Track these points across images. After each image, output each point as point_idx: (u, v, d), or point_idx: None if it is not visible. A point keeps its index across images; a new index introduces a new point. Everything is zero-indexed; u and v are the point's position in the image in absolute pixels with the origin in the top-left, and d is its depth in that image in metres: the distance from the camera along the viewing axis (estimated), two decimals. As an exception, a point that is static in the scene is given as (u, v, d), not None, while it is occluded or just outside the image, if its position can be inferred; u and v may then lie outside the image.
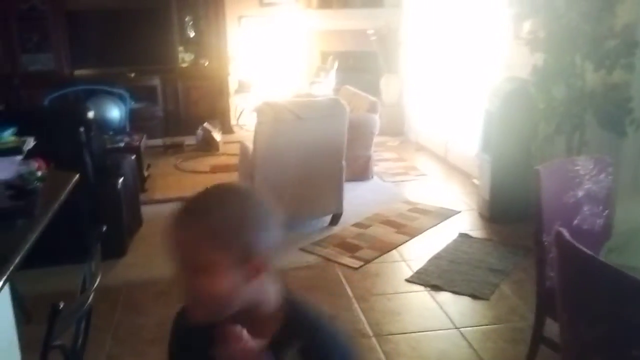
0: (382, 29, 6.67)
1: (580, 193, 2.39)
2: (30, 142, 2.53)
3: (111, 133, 5.22)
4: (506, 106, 3.75)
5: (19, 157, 2.39)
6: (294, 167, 3.92)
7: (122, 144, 4.93)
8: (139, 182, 4.68)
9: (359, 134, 4.94)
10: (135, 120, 6.23)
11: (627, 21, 3.01)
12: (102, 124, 5.75)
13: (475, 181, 4.64)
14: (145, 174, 5.14)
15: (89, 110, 3.67)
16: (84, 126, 3.47)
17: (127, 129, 5.91)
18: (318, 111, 3.86)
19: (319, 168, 3.95)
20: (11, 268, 1.64)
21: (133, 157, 4.40)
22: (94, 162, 3.57)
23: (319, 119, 3.84)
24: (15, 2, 6.37)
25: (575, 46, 3.04)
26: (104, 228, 1.96)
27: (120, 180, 3.73)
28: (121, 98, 6.31)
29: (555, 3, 3.05)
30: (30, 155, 2.50)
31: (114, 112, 6.23)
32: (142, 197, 4.64)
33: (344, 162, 4.04)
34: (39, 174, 2.22)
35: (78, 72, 6.67)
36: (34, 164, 2.26)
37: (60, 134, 3.30)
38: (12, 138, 2.54)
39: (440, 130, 5.90)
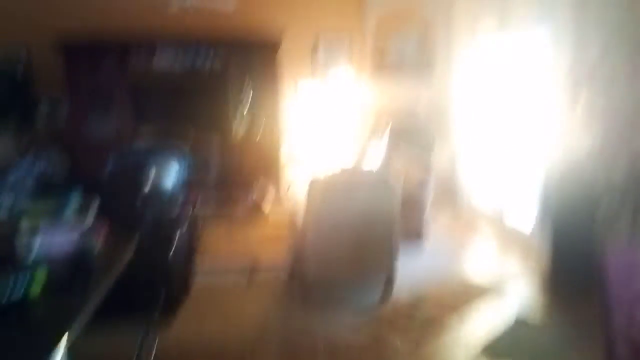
0: (434, 97, 6.72)
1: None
2: (94, 209, 2.61)
3: (166, 200, 5.34)
4: (566, 179, 3.64)
5: (81, 226, 2.45)
6: (344, 243, 3.89)
7: (176, 213, 5.02)
8: (190, 251, 4.74)
9: (413, 202, 4.91)
10: (190, 189, 6.37)
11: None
12: (159, 191, 5.97)
13: (535, 252, 4.47)
14: (196, 245, 5.20)
15: (149, 177, 3.77)
16: (143, 194, 3.58)
17: (183, 197, 6.05)
18: (368, 187, 3.86)
19: (369, 245, 3.90)
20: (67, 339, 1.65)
21: (186, 225, 4.48)
22: (150, 230, 3.65)
23: (369, 198, 3.83)
24: (84, 74, 6.71)
25: (635, 123, 2.97)
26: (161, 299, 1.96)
27: (172, 248, 3.79)
28: (179, 165, 6.50)
29: (616, 80, 3.00)
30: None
31: (171, 179, 6.40)
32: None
33: (395, 239, 3.99)
34: (98, 243, 2.27)
35: (139, 141, 6.91)
36: (95, 236, 2.31)
37: (120, 201, 3.40)
38: (77, 203, 2.61)
39: (497, 199, 5.76)
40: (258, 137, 7.07)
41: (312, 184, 3.91)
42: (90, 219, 2.54)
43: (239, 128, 7.10)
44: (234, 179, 6.93)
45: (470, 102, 6.34)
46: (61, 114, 6.79)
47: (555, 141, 4.32)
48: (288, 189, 7.23)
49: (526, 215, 4.96)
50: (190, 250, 4.57)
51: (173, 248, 3.78)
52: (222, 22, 6.71)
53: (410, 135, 7.04)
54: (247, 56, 6.98)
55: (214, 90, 6.97)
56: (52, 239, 2.24)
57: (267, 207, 6.30)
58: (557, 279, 3.80)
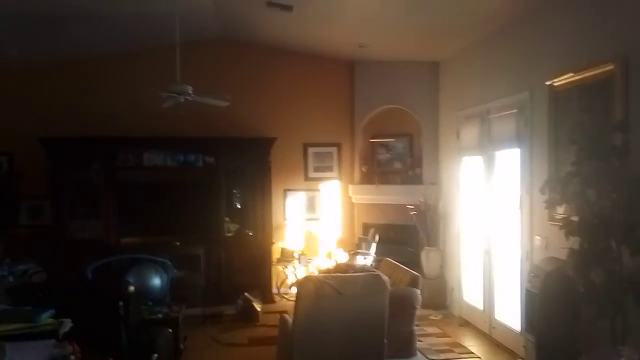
0: (422, 204, 6.93)
1: (628, 387, 2.30)
2: (67, 325, 2.62)
3: (150, 303, 5.32)
4: (547, 287, 3.74)
5: (53, 341, 2.46)
6: (334, 343, 3.91)
7: (160, 315, 5.00)
8: (174, 356, 4.69)
9: (401, 309, 4.89)
10: (176, 288, 6.33)
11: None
12: (142, 293, 5.89)
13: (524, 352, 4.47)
14: (181, 346, 5.14)
15: (130, 284, 3.83)
16: (123, 300, 3.61)
17: (168, 299, 6.01)
18: (359, 287, 3.93)
19: (360, 344, 3.92)
20: None
21: (169, 330, 4.46)
22: (130, 336, 3.64)
23: (360, 294, 3.89)
24: (70, 172, 6.80)
25: (610, 232, 3.11)
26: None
27: (155, 356, 3.76)
28: (164, 267, 6.50)
29: (587, 192, 3.19)
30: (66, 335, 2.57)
31: (156, 281, 6.31)
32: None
33: (385, 340, 4.00)
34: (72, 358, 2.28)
35: (124, 240, 6.86)
36: (68, 348, 2.34)
37: (100, 307, 3.44)
38: (50, 320, 2.64)
39: (484, 305, 5.80)
40: (249, 233, 7.17)
41: (303, 282, 3.98)
42: (62, 333, 2.55)
43: (230, 225, 7.22)
44: (225, 277, 6.94)
45: (457, 207, 6.55)
46: (46, 213, 6.87)
47: (536, 245, 4.48)
48: (281, 284, 7.24)
49: (514, 321, 4.99)
50: (175, 355, 4.51)
51: (155, 356, 3.75)
52: (215, 119, 6.95)
53: (398, 238, 7.21)
54: (240, 153, 7.16)
55: (206, 186, 7.09)
56: (23, 352, 2.26)
57: (259, 306, 6.27)
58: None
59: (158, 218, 7.10)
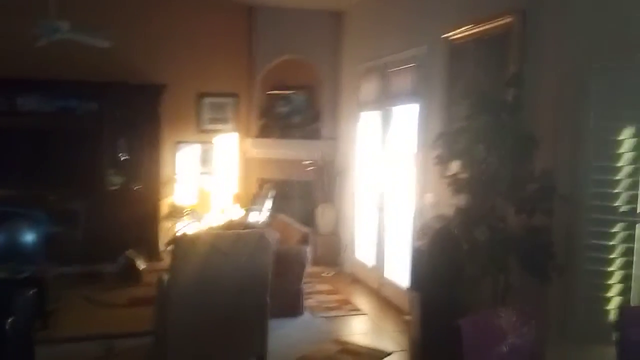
0: (319, 160, 6.75)
1: (504, 348, 2.22)
2: None
3: (12, 262, 4.78)
4: (433, 245, 3.66)
5: None
6: (214, 303, 3.63)
7: (25, 274, 4.50)
8: (40, 319, 4.24)
9: (289, 267, 4.74)
10: (52, 245, 5.78)
11: (545, 166, 3.06)
12: (13, 250, 5.36)
13: (407, 318, 4.44)
14: (51, 308, 4.67)
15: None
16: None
17: (42, 256, 5.47)
18: (242, 246, 3.65)
19: (240, 305, 3.67)
20: None
21: (32, 291, 3.98)
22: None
23: (242, 253, 3.63)
24: None
25: (496, 190, 3.04)
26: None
27: (9, 320, 3.31)
28: (37, 222, 5.91)
29: (476, 148, 3.08)
30: None
31: (28, 237, 5.75)
32: (42, 335, 4.18)
33: (268, 299, 3.78)
34: None
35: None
36: None
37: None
38: None
39: (375, 262, 5.77)
40: (136, 188, 6.66)
41: (179, 241, 3.65)
42: None
43: (115, 178, 6.66)
44: (108, 233, 6.40)
45: (353, 164, 6.41)
46: None
47: (426, 203, 4.42)
48: (169, 242, 6.82)
49: (402, 279, 4.96)
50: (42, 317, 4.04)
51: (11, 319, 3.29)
52: (99, 60, 6.27)
53: (294, 194, 7.01)
54: (126, 100, 6.59)
55: (87, 134, 6.47)
56: None
57: (142, 264, 5.86)
58: (427, 349, 3.76)
59: (33, 169, 6.41)
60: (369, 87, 5.89)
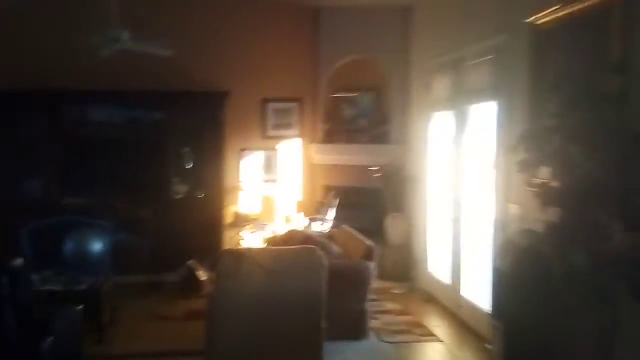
0: (388, 166, 6.28)
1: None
2: None
3: (71, 273, 4.66)
4: (519, 266, 3.10)
5: None
6: (261, 327, 3.29)
7: (82, 287, 4.38)
8: (95, 333, 4.09)
9: (350, 284, 4.31)
10: (118, 254, 5.68)
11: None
12: (80, 259, 5.29)
13: (488, 347, 3.90)
14: (107, 320, 4.51)
15: (15, 257, 3.16)
16: (8, 275, 2.93)
17: (108, 265, 5.38)
18: (290, 263, 3.27)
19: (291, 328, 3.30)
20: None
21: (79, 307, 3.81)
22: (19, 317, 2.99)
23: (291, 271, 3.24)
24: (7, 127, 6.13)
25: (597, 202, 2.46)
26: None
27: (49, 339, 3.10)
28: (105, 230, 5.84)
29: (570, 151, 2.52)
30: None
31: (96, 246, 5.70)
32: (99, 349, 4.03)
33: (322, 321, 3.37)
34: None
35: (67, 201, 6.18)
36: None
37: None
38: None
39: (450, 279, 5.20)
40: (200, 196, 6.48)
41: (222, 257, 3.33)
42: None
43: (179, 186, 6.51)
44: (173, 242, 6.22)
45: (425, 169, 5.89)
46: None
47: (509, 215, 3.84)
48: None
49: (483, 300, 4.38)
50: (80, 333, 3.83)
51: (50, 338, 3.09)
52: (162, 69, 6.13)
53: (361, 202, 6.54)
54: (190, 108, 6.48)
55: (153, 143, 6.37)
56: None
57: (203, 275, 5.62)
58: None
59: (102, 178, 6.37)
60: (442, 85, 5.35)
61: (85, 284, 4.54)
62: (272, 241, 5.45)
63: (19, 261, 3.21)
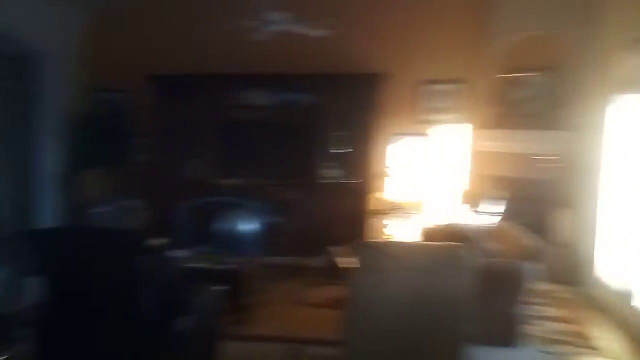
0: (562, 155, 5.52)
1: None
2: None
3: (218, 254, 4.81)
4: None
5: None
6: (397, 327, 3.02)
7: (225, 267, 4.50)
8: (235, 313, 4.15)
9: (506, 287, 3.80)
10: (266, 236, 5.80)
11: None
12: (231, 239, 5.49)
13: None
14: (248, 302, 4.57)
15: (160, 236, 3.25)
16: (150, 255, 3.02)
17: (257, 247, 5.51)
18: (430, 260, 2.94)
19: (428, 333, 2.96)
20: None
21: (224, 286, 3.86)
22: (160, 296, 3.06)
23: (431, 270, 2.91)
24: (173, 110, 6.52)
25: None
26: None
27: (189, 318, 3.15)
28: (256, 213, 5.99)
29: None
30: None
31: (246, 227, 5.89)
32: (237, 330, 4.11)
33: (465, 328, 2.98)
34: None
35: (224, 182, 6.47)
36: None
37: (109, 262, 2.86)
38: None
39: (624, 286, 4.44)
40: (349, 181, 6.34)
41: (359, 249, 3.11)
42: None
43: (328, 170, 6.44)
44: (316, 226, 6.21)
45: (603, 160, 5.09)
46: (151, 151, 6.63)
47: None
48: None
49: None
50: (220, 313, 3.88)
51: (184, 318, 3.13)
52: (317, 51, 6.11)
53: (529, 196, 5.81)
54: (343, 91, 6.38)
55: (306, 126, 6.45)
56: None
57: (345, 262, 5.47)
58: None
59: (255, 160, 6.62)
60: (636, 63, 4.50)
61: (233, 264, 4.66)
62: (424, 234, 5.12)
63: (161, 241, 3.29)
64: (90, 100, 6.75)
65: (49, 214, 6.16)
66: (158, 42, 6.67)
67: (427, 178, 6.39)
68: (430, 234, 4.76)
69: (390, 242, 3.35)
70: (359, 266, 3.07)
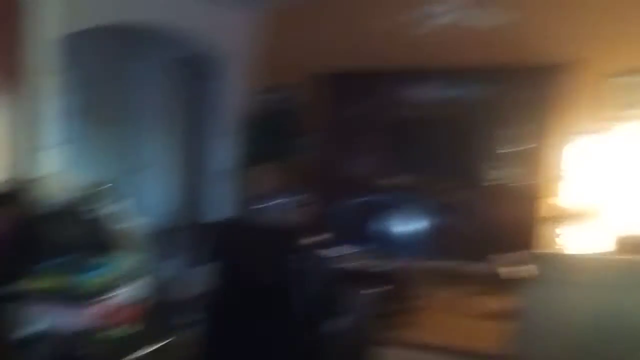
0: None
1: None
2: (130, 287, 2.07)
3: (375, 253, 4.73)
4: None
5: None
6: (582, 351, 2.66)
7: (377, 269, 4.40)
8: (389, 318, 4.05)
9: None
10: (426, 238, 5.62)
11: None
12: (390, 240, 5.42)
13: None
14: (404, 306, 4.44)
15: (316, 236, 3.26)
16: (301, 255, 3.04)
17: (419, 248, 5.37)
18: (623, 278, 2.53)
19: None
20: None
21: (381, 288, 3.78)
22: (311, 296, 3.08)
23: (624, 288, 2.51)
24: (341, 107, 6.58)
25: None
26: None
27: (337, 320, 3.12)
28: (421, 213, 5.83)
29: None
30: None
31: (407, 229, 5.77)
32: (390, 335, 4.00)
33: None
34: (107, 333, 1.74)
35: (388, 181, 6.34)
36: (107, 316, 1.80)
37: (265, 258, 2.92)
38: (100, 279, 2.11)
39: None
40: (518, 184, 5.86)
41: (544, 261, 2.82)
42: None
43: (495, 171, 6.02)
44: (481, 230, 5.84)
45: None
46: (317, 149, 6.76)
47: None
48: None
49: None
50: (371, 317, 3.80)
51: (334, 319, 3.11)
52: (489, 42, 5.78)
53: None
54: (519, 84, 5.88)
55: (473, 124, 6.08)
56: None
57: (509, 273, 5.07)
58: None
59: (421, 159, 6.40)
60: None
61: (391, 266, 4.56)
62: (622, 246, 4.56)
63: (320, 238, 3.30)
64: (261, 99, 7.09)
65: (218, 207, 6.60)
66: (325, 40, 6.74)
67: (611, 182, 5.65)
68: (623, 245, 4.20)
69: (575, 254, 2.96)
70: (535, 278, 2.77)
